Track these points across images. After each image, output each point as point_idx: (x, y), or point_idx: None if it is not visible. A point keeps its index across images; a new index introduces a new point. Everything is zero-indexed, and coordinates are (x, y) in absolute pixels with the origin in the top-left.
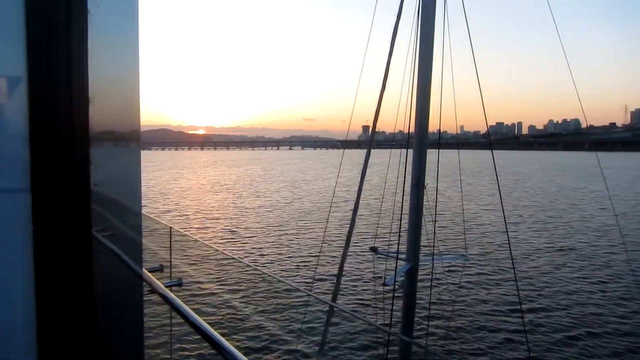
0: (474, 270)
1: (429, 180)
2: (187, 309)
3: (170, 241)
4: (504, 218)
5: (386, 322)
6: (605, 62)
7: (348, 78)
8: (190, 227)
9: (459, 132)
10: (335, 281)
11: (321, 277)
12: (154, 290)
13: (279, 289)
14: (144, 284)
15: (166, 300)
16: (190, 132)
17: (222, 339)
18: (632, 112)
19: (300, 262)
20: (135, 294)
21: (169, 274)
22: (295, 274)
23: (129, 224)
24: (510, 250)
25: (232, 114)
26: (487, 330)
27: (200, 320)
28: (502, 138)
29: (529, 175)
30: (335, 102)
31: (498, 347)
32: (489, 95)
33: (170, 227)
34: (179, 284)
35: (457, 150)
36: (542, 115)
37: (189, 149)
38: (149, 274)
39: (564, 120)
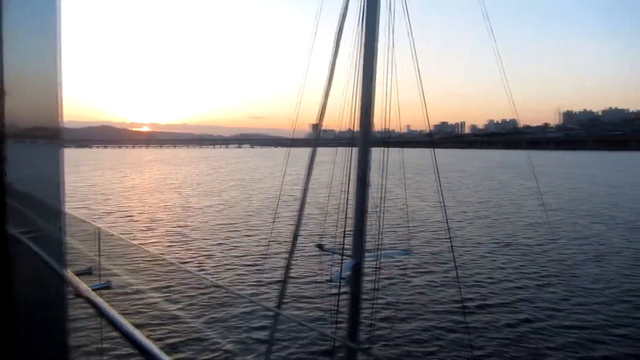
0: (417, 265)
1: (377, 178)
2: (115, 313)
3: (99, 243)
4: (445, 214)
5: (333, 319)
6: (540, 65)
7: (297, 76)
8: (133, 229)
9: (405, 131)
10: (282, 280)
11: (269, 275)
12: (79, 294)
13: (220, 294)
14: (69, 287)
15: (92, 304)
16: (134, 129)
17: (153, 346)
18: (563, 114)
19: (249, 261)
20: (60, 297)
21: (98, 277)
22: (243, 273)
23: (52, 224)
24: (452, 245)
25: (179, 111)
26: (430, 326)
27: (129, 326)
28: (446, 137)
29: (473, 172)
30: (285, 100)
31: (440, 343)
32: (434, 95)
33: (99, 228)
34: (108, 287)
35: (404, 148)
36: (484, 115)
37: (133, 147)
38: (75, 277)
39: (503, 120)
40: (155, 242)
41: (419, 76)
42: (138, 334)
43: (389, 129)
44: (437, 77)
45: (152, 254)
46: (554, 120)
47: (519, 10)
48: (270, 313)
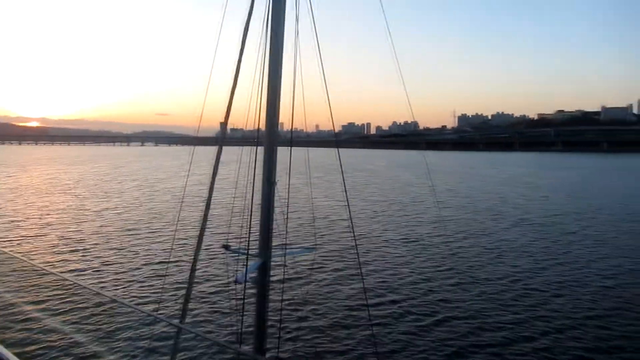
0: (323, 263)
1: (283, 177)
2: None
3: None
4: (349, 212)
5: (239, 325)
6: (437, 70)
7: (205, 71)
8: (16, 237)
9: (314, 131)
10: (186, 287)
11: (172, 283)
12: None
13: (115, 308)
14: None
15: None
16: (20, 124)
17: None
18: (458, 117)
19: (151, 269)
20: None
21: None
22: (145, 282)
23: None
24: (355, 242)
25: (74, 105)
26: (337, 332)
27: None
28: (353, 137)
29: (378, 171)
30: (191, 97)
31: (347, 348)
32: (342, 97)
33: None
34: None
35: (315, 148)
36: (388, 117)
37: (20, 144)
38: None
39: (405, 122)
40: (44, 250)
41: (324, 77)
42: (6, 354)
43: (294, 128)
44: (345, 80)
45: (31, 263)
46: (450, 122)
47: (417, 16)
48: (173, 329)
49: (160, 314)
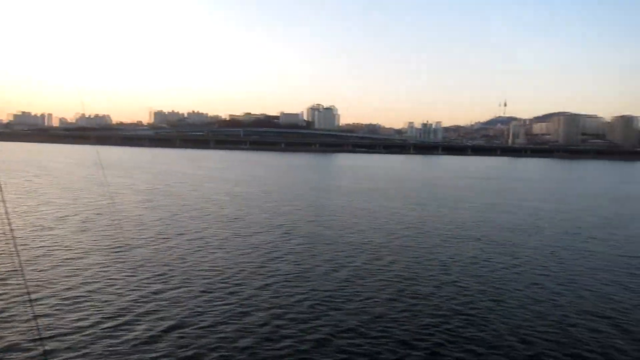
0: None
1: None
2: None
3: None
4: (7, 214)
5: None
6: (132, 64)
7: None
8: None
9: None
10: None
11: None
12: None
13: None
14: None
15: None
16: None
17: None
18: (154, 113)
19: None
20: None
21: None
22: None
23: None
24: (16, 245)
25: None
26: None
27: None
28: (30, 129)
29: (58, 169)
30: None
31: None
32: (15, 80)
33: None
34: None
35: None
36: (73, 108)
37: None
38: None
39: (97, 115)
40: None
41: None
42: None
43: None
44: (16, 60)
45: None
46: (146, 118)
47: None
48: None
49: None
